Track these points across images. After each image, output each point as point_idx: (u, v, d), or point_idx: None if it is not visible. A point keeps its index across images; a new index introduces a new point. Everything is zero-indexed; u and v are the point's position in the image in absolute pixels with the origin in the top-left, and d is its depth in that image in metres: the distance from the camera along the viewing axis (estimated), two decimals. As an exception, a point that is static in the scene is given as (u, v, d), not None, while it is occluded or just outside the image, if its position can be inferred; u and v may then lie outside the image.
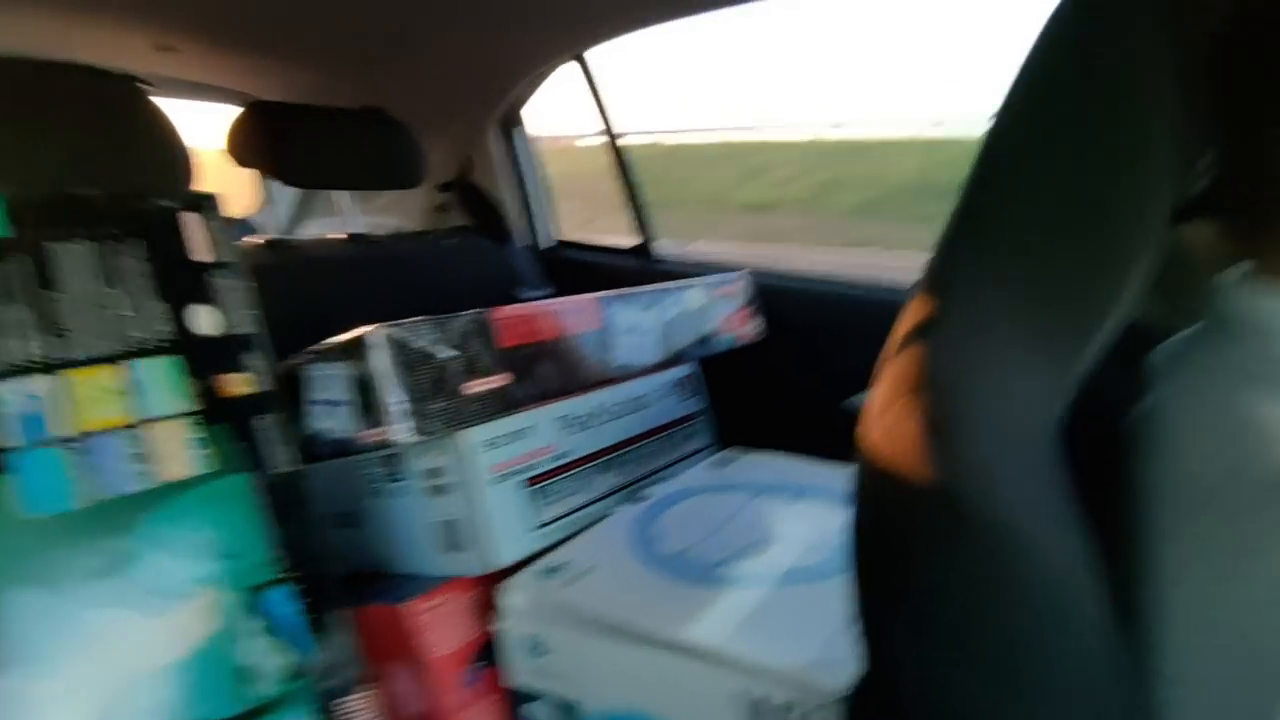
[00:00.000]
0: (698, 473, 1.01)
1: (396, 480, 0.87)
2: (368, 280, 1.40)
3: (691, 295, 1.08)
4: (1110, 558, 0.41)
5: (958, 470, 0.38)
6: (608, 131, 1.45)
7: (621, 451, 0.97)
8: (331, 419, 0.80)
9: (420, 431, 0.72)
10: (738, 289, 1.17)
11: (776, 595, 0.72)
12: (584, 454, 0.91)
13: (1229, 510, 0.35)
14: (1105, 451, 0.44)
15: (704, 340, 1.09)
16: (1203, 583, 0.36)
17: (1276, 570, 0.33)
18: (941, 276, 0.42)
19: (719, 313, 1.12)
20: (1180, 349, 0.44)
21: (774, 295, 1.24)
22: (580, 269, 1.67)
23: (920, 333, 0.41)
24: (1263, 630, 0.33)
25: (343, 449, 0.80)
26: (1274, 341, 0.39)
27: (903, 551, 0.40)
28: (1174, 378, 0.42)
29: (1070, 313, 0.40)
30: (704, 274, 1.17)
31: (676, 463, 1.05)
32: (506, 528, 0.81)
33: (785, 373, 1.24)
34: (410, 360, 0.72)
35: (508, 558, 0.81)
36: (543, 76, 1.50)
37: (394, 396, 0.71)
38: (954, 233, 0.42)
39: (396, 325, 0.72)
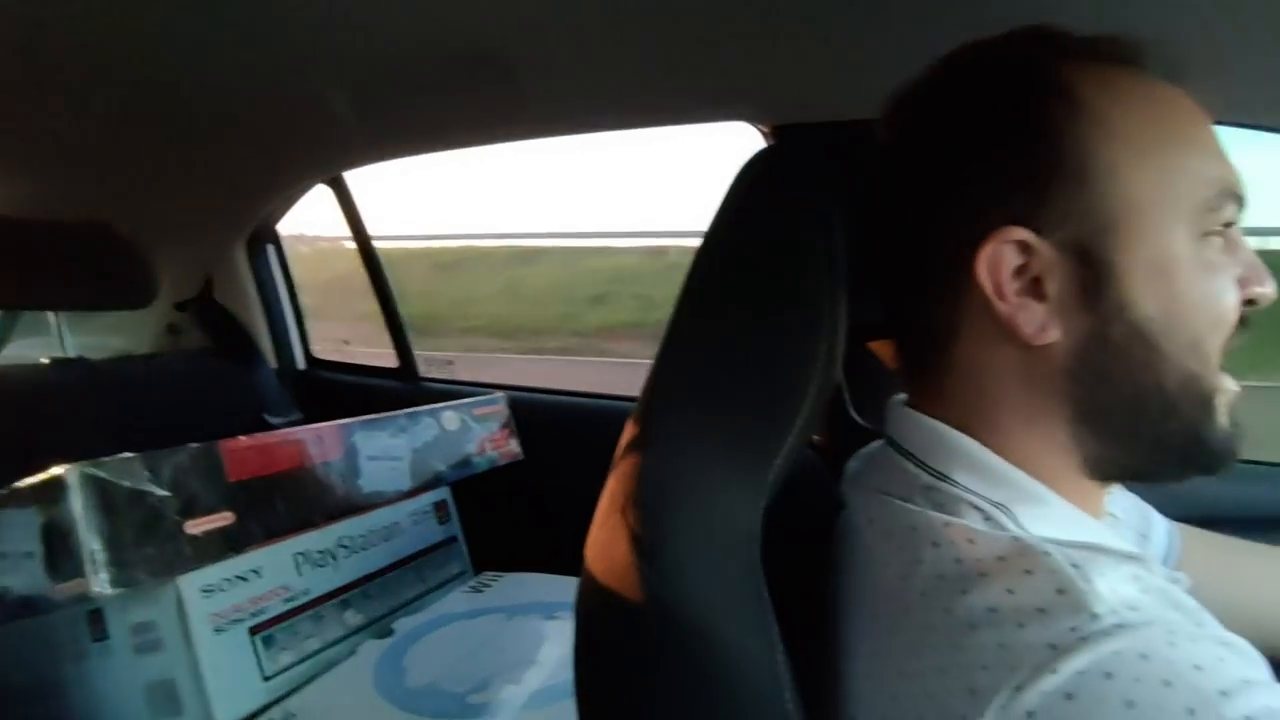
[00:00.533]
0: (453, 599, 0.99)
1: (100, 640, 0.76)
2: (81, 410, 1.24)
3: (448, 417, 1.09)
4: (812, 655, 0.46)
5: (660, 583, 0.42)
6: (364, 251, 1.45)
7: (366, 585, 0.92)
8: (14, 574, 0.70)
9: (122, 582, 0.65)
10: (497, 410, 1.19)
11: (524, 718, 0.72)
12: (322, 592, 0.86)
13: (902, 609, 0.40)
14: (810, 555, 0.51)
15: (462, 463, 1.09)
16: (885, 676, 0.40)
17: (932, 661, 0.37)
18: (650, 403, 0.47)
19: (477, 434, 1.14)
20: (862, 464, 0.51)
21: (532, 413, 1.28)
22: (337, 390, 1.61)
23: (631, 454, 0.45)
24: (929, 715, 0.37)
25: (30, 608, 0.69)
26: (928, 458, 0.45)
27: (614, 661, 0.43)
28: (859, 486, 0.49)
29: (756, 436, 0.46)
30: (466, 394, 1.19)
31: (431, 591, 1.02)
32: (229, 682, 0.74)
33: (543, 491, 1.27)
34: (113, 501, 0.65)
35: (229, 716, 0.73)
36: (297, 196, 1.48)
37: (92, 543, 0.64)
38: (660, 364, 0.48)
39: (98, 463, 0.66)
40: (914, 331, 0.49)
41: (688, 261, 0.49)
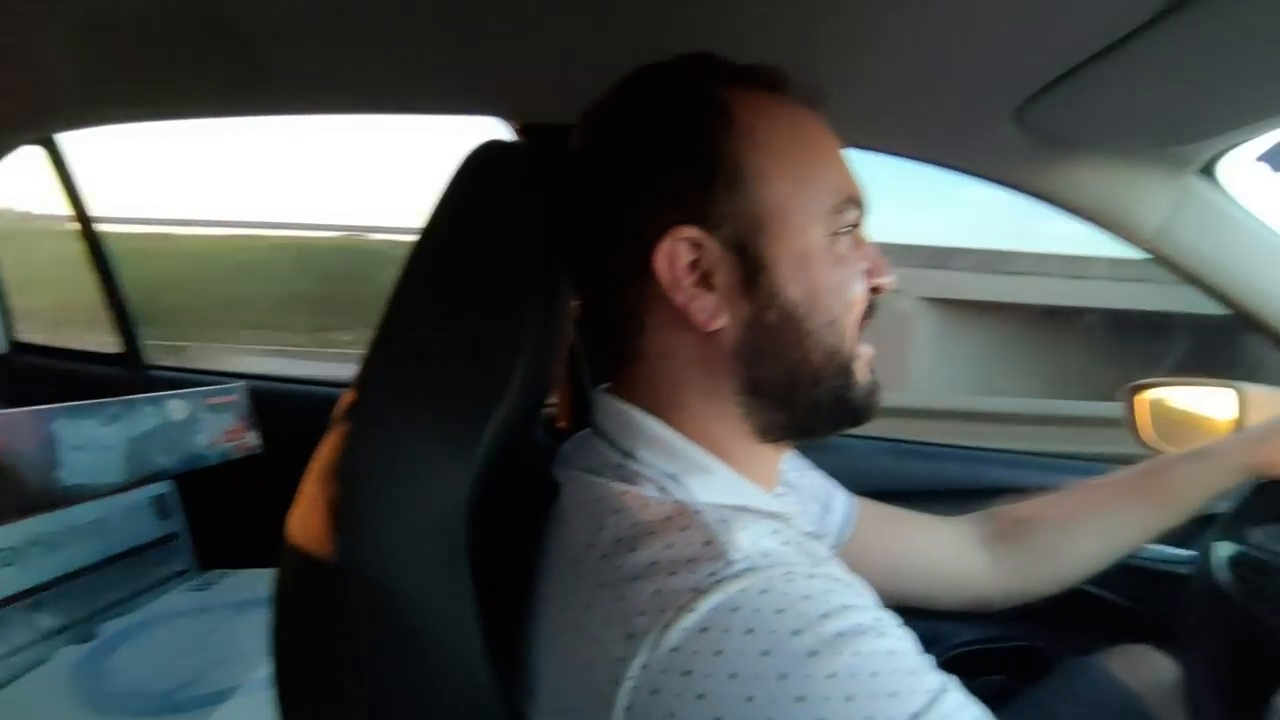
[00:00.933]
0: (172, 599, 0.93)
1: None
2: None
3: (174, 406, 1.02)
4: (514, 622, 0.49)
5: (357, 551, 0.43)
6: (82, 224, 1.30)
7: (65, 586, 0.84)
8: None
9: None
10: (232, 400, 1.13)
11: (232, 709, 0.70)
12: (6, 594, 0.78)
13: (585, 570, 0.44)
14: (526, 531, 0.53)
15: (190, 455, 1.02)
16: (565, 630, 0.44)
17: (601, 612, 0.42)
18: (363, 379, 0.48)
19: (209, 425, 1.07)
20: (573, 447, 0.55)
21: (276, 404, 1.22)
22: (47, 378, 1.42)
23: (338, 427, 0.46)
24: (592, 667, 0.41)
25: None
26: (618, 438, 0.51)
27: (311, 630, 0.45)
28: (565, 467, 0.53)
29: (464, 410, 0.49)
30: (201, 384, 1.11)
31: (146, 591, 0.95)
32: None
33: (287, 485, 1.21)
34: None
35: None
36: (-4, 155, 1.28)
37: None
38: (375, 342, 0.50)
39: None
40: (606, 324, 0.55)
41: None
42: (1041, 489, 0.79)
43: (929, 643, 1.06)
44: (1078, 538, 0.75)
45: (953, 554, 0.76)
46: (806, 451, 0.76)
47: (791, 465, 0.72)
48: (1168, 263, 0.82)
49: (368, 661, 0.44)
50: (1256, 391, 0.93)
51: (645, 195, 0.49)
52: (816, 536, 0.65)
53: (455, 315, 0.50)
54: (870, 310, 0.52)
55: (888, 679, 0.38)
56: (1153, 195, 0.79)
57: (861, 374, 0.52)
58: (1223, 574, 0.74)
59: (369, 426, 0.47)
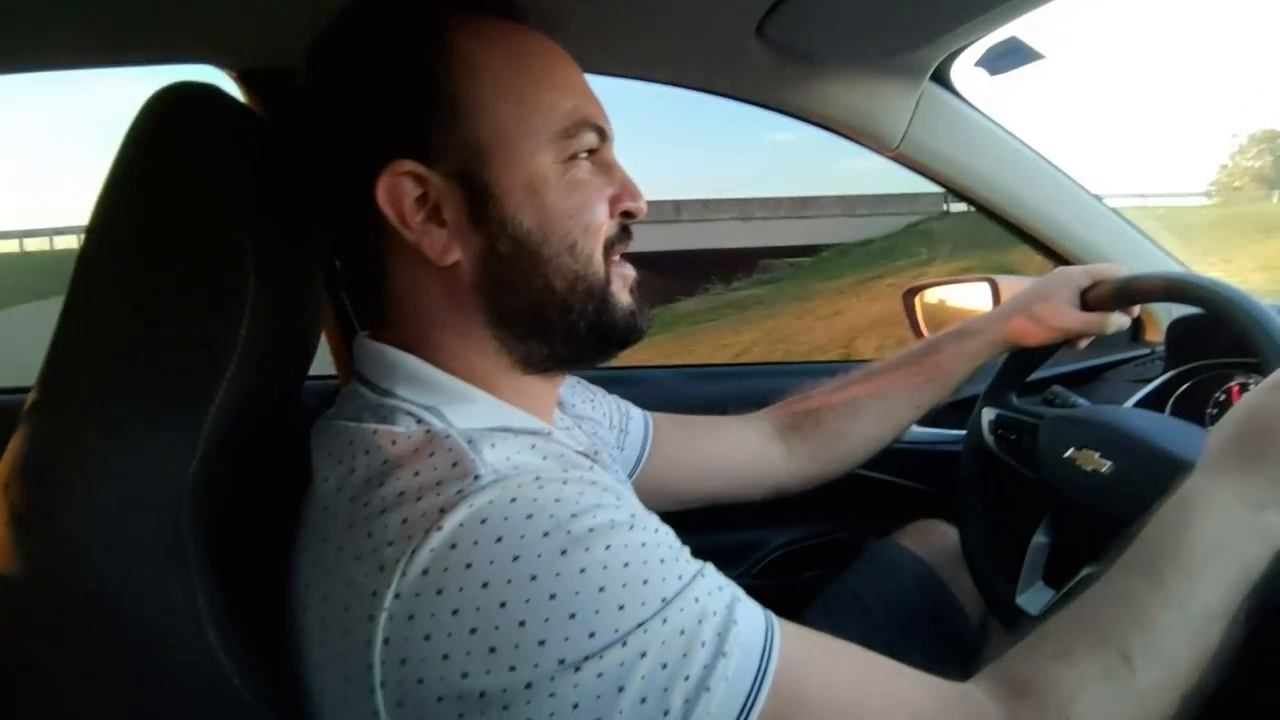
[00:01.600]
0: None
1: None
2: None
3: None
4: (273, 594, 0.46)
5: (49, 555, 0.39)
6: None
7: None
8: None
9: None
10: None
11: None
12: None
13: (335, 515, 0.42)
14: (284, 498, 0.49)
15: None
16: (320, 578, 0.42)
17: (352, 551, 0.40)
18: (44, 373, 0.43)
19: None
20: (338, 399, 0.52)
21: None
22: None
23: (22, 427, 0.42)
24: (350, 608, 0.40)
25: None
26: (377, 379, 0.48)
27: (14, 645, 0.40)
28: (320, 426, 0.49)
29: (176, 389, 0.44)
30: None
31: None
32: None
33: None
34: None
35: None
36: None
37: None
38: (61, 330, 0.44)
39: None
40: (353, 270, 0.53)
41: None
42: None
43: (751, 550, 1.11)
44: (861, 420, 0.80)
45: (751, 449, 0.80)
46: (604, 387, 0.77)
47: (581, 397, 0.72)
48: (917, 168, 0.89)
49: (88, 664, 0.39)
50: (1006, 281, 1.04)
51: (362, 132, 0.47)
52: (610, 454, 0.67)
53: (149, 289, 0.45)
54: (625, 235, 0.52)
55: (639, 568, 0.39)
56: (894, 104, 0.85)
57: (620, 297, 0.52)
58: (987, 436, 0.82)
59: (53, 423, 0.42)
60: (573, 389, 0.72)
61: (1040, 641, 0.45)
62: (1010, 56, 0.81)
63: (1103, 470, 0.68)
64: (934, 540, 0.91)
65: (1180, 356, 0.87)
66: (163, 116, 0.47)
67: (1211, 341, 0.83)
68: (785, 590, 0.89)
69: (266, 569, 0.46)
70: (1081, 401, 0.86)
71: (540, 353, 0.51)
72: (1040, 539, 0.77)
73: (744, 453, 0.80)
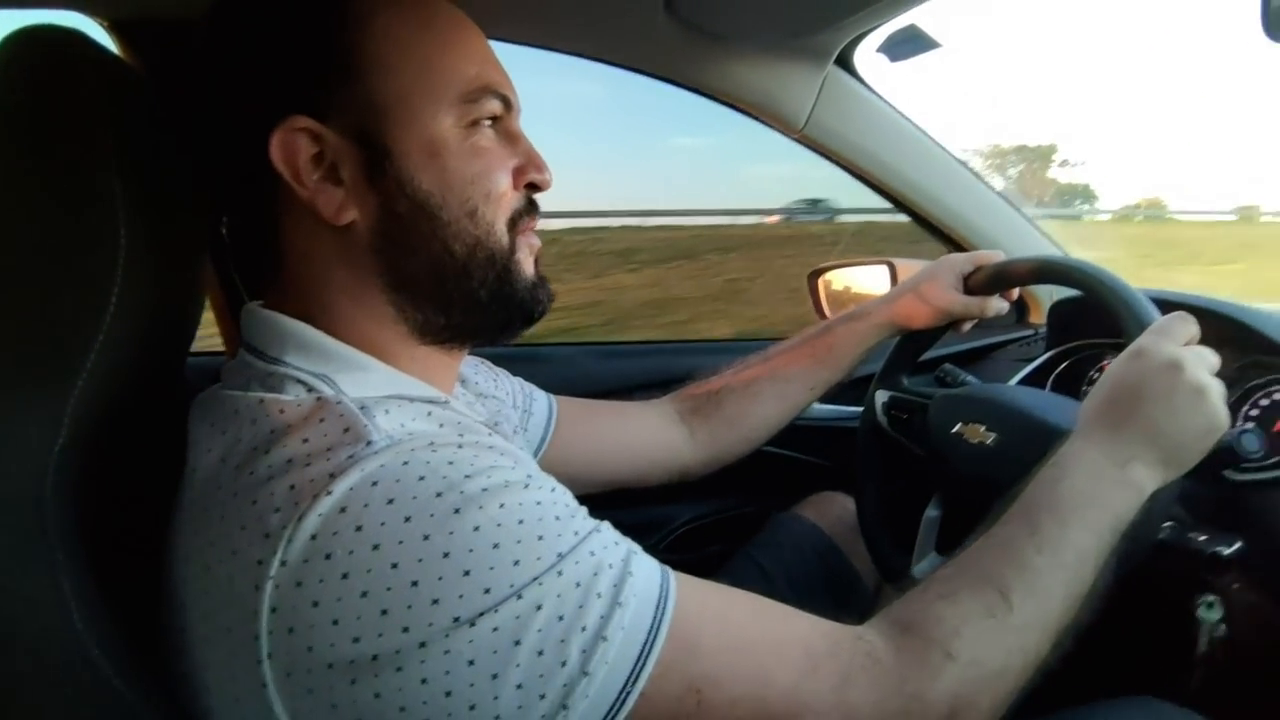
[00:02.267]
0: None
1: None
2: None
3: None
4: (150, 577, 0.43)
5: None
6: None
7: None
8: None
9: None
10: None
11: None
12: None
13: (219, 486, 0.41)
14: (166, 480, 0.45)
15: None
16: (201, 550, 0.40)
17: (236, 521, 0.38)
18: None
19: None
20: (225, 370, 0.49)
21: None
22: None
23: None
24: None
25: None
26: (267, 348, 0.46)
27: None
28: (201, 399, 0.47)
29: (34, 368, 0.41)
30: None
31: None
32: None
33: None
34: None
35: None
36: None
37: None
38: None
39: None
40: (244, 232, 0.51)
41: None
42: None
43: (658, 525, 1.12)
44: (759, 401, 0.82)
45: (653, 433, 0.81)
46: (510, 365, 0.76)
47: (484, 376, 0.71)
48: (821, 150, 0.91)
49: None
50: (904, 264, 1.08)
51: (257, 85, 0.45)
52: (514, 429, 0.66)
53: (4, 252, 0.42)
54: (532, 208, 0.52)
55: (534, 525, 0.39)
56: (799, 86, 0.87)
57: (524, 267, 0.51)
58: (880, 417, 0.85)
59: None
60: (476, 368, 0.71)
61: (928, 586, 0.48)
62: (909, 44, 0.83)
63: (988, 442, 0.72)
64: (833, 511, 0.95)
65: (1060, 337, 0.92)
66: (17, 61, 0.43)
67: (1089, 323, 0.88)
68: (691, 564, 0.90)
69: (144, 550, 0.44)
70: (970, 379, 0.90)
71: (437, 321, 0.50)
72: (932, 512, 0.81)
73: (646, 436, 0.80)
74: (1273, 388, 0.74)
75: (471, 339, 0.54)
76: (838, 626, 0.45)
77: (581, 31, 0.82)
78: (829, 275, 1.22)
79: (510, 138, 0.51)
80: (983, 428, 0.73)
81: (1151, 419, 0.52)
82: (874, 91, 0.91)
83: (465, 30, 0.50)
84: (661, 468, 0.81)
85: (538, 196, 0.53)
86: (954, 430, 0.75)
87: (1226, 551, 0.68)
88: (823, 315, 1.20)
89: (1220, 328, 0.80)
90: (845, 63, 0.88)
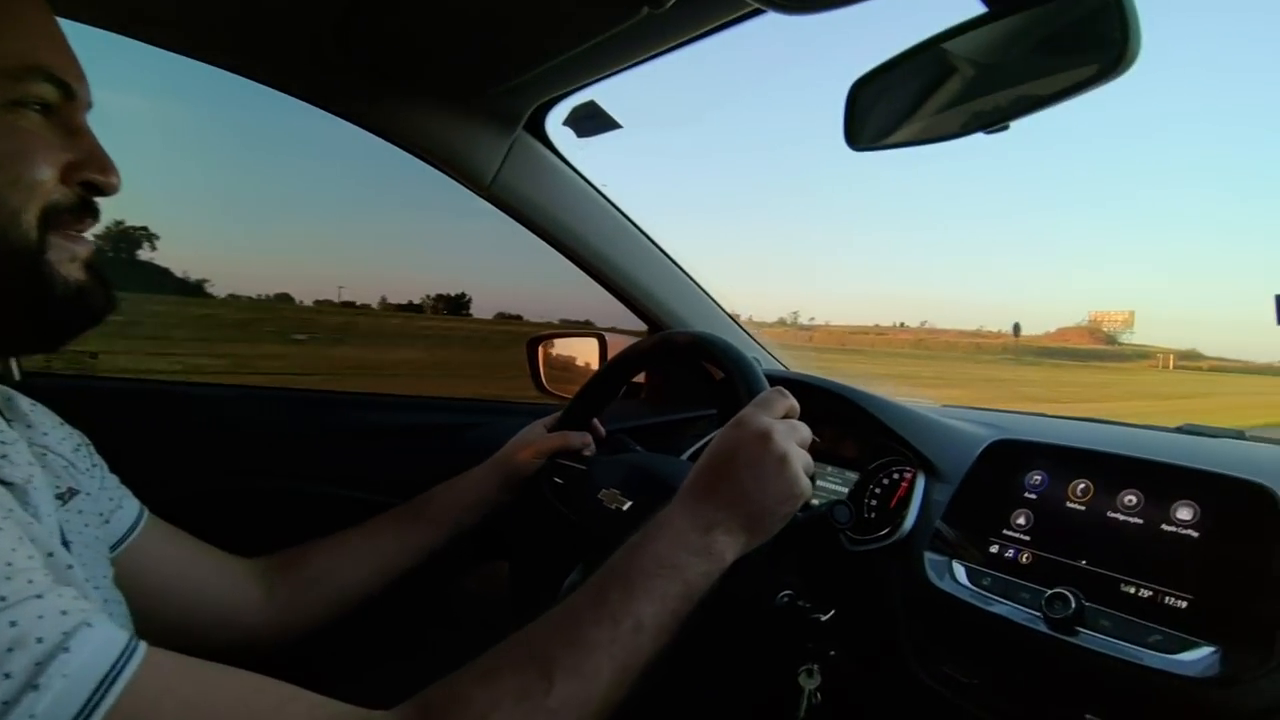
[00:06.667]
0: None
1: None
2: None
3: None
4: None
5: None
6: None
7: None
8: None
9: None
10: None
11: None
12: None
13: None
14: None
15: None
16: None
17: None
18: None
19: None
20: None
21: None
22: None
23: None
24: None
25: None
26: None
27: None
28: None
29: None
30: None
31: None
32: None
33: None
34: None
35: None
36: None
37: None
38: None
39: None
40: None
41: None
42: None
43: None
44: (347, 559, 0.74)
45: (227, 584, 0.69)
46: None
47: (82, 458, 0.60)
48: (508, 210, 0.91)
49: None
50: (615, 338, 1.10)
51: None
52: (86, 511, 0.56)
53: None
54: (86, 210, 0.47)
55: None
56: (487, 144, 0.86)
57: (61, 270, 0.45)
58: (543, 484, 0.83)
59: None
60: (78, 448, 0.59)
61: (477, 663, 0.45)
62: (590, 121, 0.86)
63: (623, 508, 0.72)
64: (495, 579, 0.91)
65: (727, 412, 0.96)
66: None
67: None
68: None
69: None
70: (638, 449, 0.91)
71: None
72: (573, 577, 0.79)
73: (215, 590, 0.68)
74: (892, 468, 0.80)
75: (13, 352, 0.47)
76: (348, 710, 0.41)
77: (244, 48, 0.76)
78: (546, 345, 1.21)
79: (70, 130, 0.46)
80: (619, 493, 0.73)
81: (740, 485, 0.53)
82: (564, 160, 0.93)
83: (26, 6, 0.45)
84: (222, 627, 0.67)
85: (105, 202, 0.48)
86: (598, 496, 0.75)
87: (823, 618, 0.71)
88: (540, 382, 1.18)
89: (835, 407, 0.87)
90: (537, 129, 0.89)
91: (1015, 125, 0.52)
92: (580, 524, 0.77)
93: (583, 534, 0.78)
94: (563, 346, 1.22)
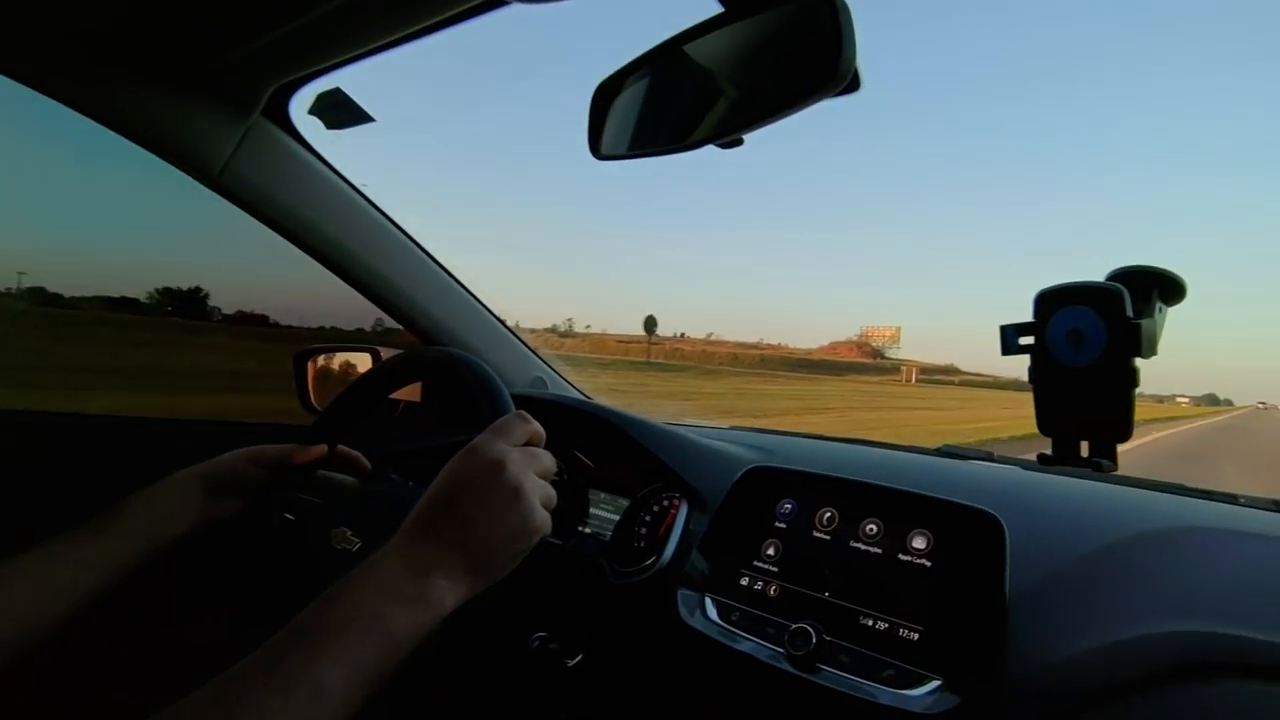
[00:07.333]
0: None
1: None
2: None
3: None
4: None
5: None
6: None
7: None
8: None
9: None
10: None
11: None
12: None
13: None
14: None
15: None
16: None
17: None
18: None
19: None
20: None
21: None
22: None
23: None
24: None
25: None
26: None
27: None
28: None
29: None
30: None
31: None
32: None
33: None
34: None
35: None
36: None
37: None
38: None
39: None
40: None
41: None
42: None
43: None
44: (19, 592, 0.57)
45: None
46: None
47: None
48: (239, 202, 0.79)
49: None
50: (387, 351, 1.00)
51: None
52: None
53: None
54: None
55: None
56: (218, 131, 0.74)
57: None
58: (274, 519, 0.72)
59: None
60: None
61: None
62: (338, 110, 0.76)
63: (353, 549, 0.63)
64: None
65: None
66: None
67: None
68: None
69: None
70: (395, 480, 0.82)
71: None
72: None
73: None
74: (662, 495, 0.76)
75: None
76: None
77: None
78: (316, 359, 1.09)
79: None
80: (349, 531, 0.64)
81: (466, 520, 0.47)
82: (316, 154, 0.82)
83: None
84: None
85: None
86: (330, 534, 0.65)
87: (570, 663, 0.65)
88: (306, 399, 1.05)
89: (600, 432, 0.82)
90: (280, 116, 0.78)
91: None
92: (306, 566, 0.67)
93: (307, 577, 0.68)
94: (333, 360, 1.10)
